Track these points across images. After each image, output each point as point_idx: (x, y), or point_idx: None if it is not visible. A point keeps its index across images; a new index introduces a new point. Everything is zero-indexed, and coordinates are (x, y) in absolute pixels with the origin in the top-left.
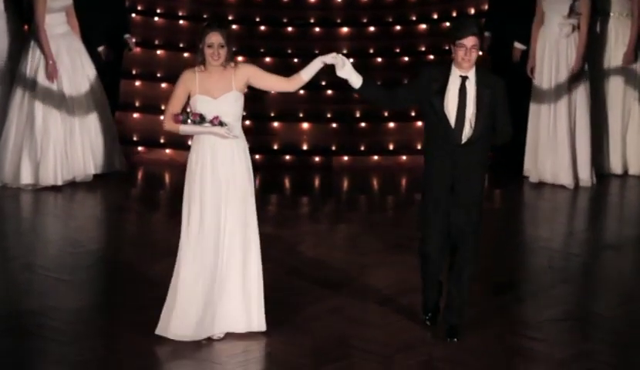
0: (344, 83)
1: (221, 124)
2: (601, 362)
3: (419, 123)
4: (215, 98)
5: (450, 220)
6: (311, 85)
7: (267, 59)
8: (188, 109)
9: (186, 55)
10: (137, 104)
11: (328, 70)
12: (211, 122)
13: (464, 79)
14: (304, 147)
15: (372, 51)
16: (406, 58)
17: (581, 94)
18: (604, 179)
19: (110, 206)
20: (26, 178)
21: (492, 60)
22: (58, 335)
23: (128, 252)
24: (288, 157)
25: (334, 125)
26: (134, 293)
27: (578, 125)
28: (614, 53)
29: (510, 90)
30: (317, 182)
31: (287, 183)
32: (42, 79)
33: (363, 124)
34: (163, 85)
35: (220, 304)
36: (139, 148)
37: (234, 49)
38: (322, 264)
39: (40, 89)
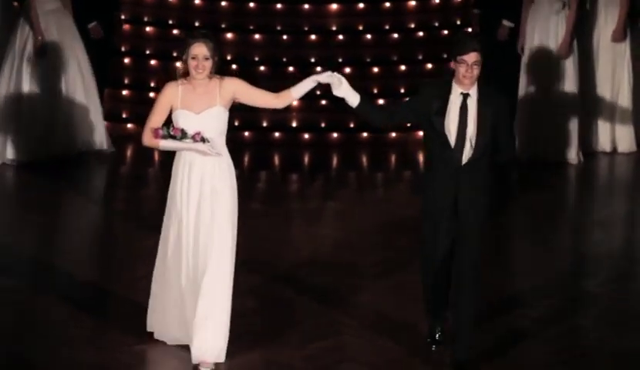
0: (333, 60)
1: (203, 140)
2: (591, 339)
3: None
4: (198, 113)
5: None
6: (301, 62)
7: (257, 36)
8: (170, 125)
9: (175, 32)
10: (126, 81)
11: (319, 45)
12: (193, 137)
13: (465, 96)
14: (294, 124)
15: (361, 28)
16: (395, 35)
17: (570, 71)
18: (592, 157)
19: (99, 182)
20: (11, 153)
21: (482, 37)
22: (51, 312)
23: (118, 228)
24: (277, 134)
25: (323, 102)
26: (128, 268)
27: (567, 102)
28: (604, 30)
29: (499, 68)
30: (306, 159)
31: (276, 160)
32: (30, 54)
33: None
34: (152, 62)
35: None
36: (129, 125)
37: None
38: (311, 242)
39: (28, 65)
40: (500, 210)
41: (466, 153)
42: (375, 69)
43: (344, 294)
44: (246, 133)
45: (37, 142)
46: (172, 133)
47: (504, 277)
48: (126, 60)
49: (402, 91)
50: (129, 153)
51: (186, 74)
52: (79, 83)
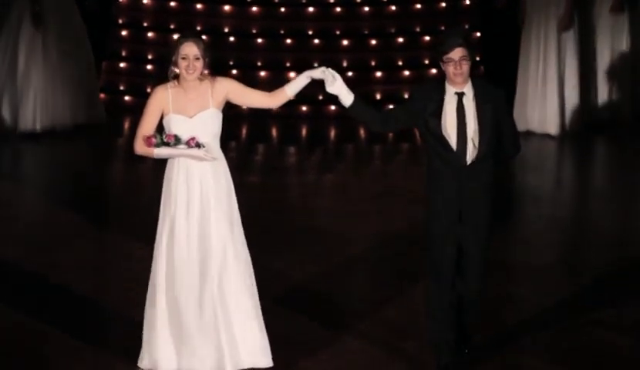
0: (331, 32)
1: (198, 146)
2: (589, 309)
3: (407, 72)
4: (190, 117)
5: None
6: (298, 34)
7: (254, 9)
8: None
9: (173, 4)
10: (124, 53)
11: (316, 17)
12: (187, 143)
13: (460, 95)
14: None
15: (358, 0)
16: (393, 7)
17: (570, 43)
18: (593, 127)
19: (98, 154)
20: (6, 124)
21: (478, 10)
22: (50, 277)
23: (116, 200)
24: None
25: None
26: (126, 244)
27: (567, 74)
28: (603, 3)
29: (498, 39)
30: (304, 131)
31: (274, 132)
32: (27, 24)
33: (350, 74)
34: (150, 34)
35: (204, 337)
36: (126, 97)
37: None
38: (309, 213)
39: (24, 35)
40: (499, 181)
41: (470, 154)
42: (373, 42)
43: (338, 264)
44: (243, 106)
45: (32, 114)
46: (165, 140)
47: (501, 246)
48: (124, 32)
49: (400, 63)
50: (126, 124)
51: (175, 76)
52: (76, 55)
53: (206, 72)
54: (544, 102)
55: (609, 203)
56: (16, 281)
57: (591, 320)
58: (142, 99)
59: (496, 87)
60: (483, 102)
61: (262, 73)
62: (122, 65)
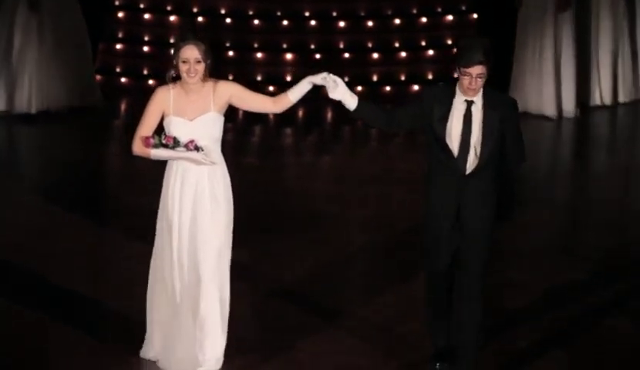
0: (327, 14)
1: (197, 149)
2: (589, 293)
3: (403, 54)
4: (191, 120)
5: (455, 256)
6: (295, 16)
7: None
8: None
9: None
10: (120, 35)
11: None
12: (186, 146)
13: (470, 103)
14: (288, 78)
15: None
16: None
17: (567, 25)
18: (593, 110)
19: (94, 137)
20: (1, 105)
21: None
22: (44, 260)
23: (112, 190)
24: (271, 88)
25: (317, 56)
26: (125, 225)
27: (564, 56)
28: None
29: (494, 20)
30: (301, 113)
31: (271, 114)
32: (22, 7)
33: (347, 55)
34: (146, 16)
35: (188, 340)
36: (122, 79)
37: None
38: (305, 196)
39: (20, 17)
40: None
41: (471, 162)
42: (370, 23)
43: (336, 248)
44: None
45: (27, 96)
46: (164, 142)
47: (498, 230)
48: (120, 14)
49: (396, 45)
50: (122, 106)
51: (177, 78)
52: (72, 37)
53: (207, 61)
54: (541, 84)
55: (607, 185)
56: (16, 278)
57: (591, 304)
58: (138, 81)
59: (507, 96)
60: (491, 110)
61: (259, 55)
62: (118, 46)
